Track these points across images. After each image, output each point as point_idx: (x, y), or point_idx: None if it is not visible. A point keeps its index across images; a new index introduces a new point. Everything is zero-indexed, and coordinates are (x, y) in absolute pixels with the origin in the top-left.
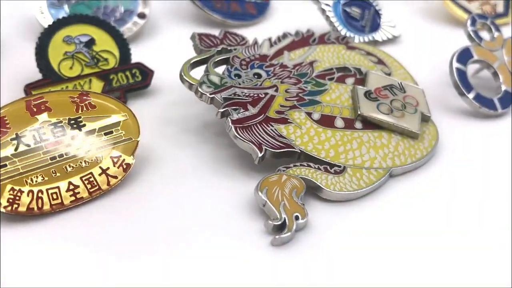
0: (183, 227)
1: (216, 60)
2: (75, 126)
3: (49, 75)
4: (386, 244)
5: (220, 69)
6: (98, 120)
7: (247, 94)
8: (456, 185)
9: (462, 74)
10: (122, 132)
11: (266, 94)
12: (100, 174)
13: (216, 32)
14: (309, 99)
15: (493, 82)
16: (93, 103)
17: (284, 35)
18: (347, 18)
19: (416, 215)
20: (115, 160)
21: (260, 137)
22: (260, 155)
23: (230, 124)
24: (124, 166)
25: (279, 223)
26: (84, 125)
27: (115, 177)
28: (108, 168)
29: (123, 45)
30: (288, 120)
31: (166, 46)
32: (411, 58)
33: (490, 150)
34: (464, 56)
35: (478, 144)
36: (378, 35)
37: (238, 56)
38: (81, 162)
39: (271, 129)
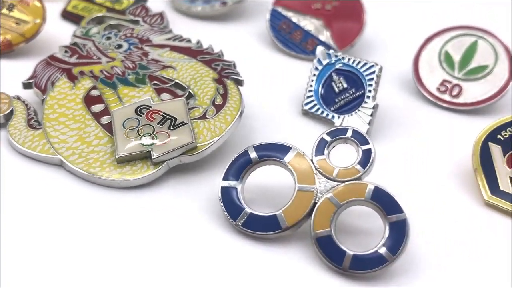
0: None
1: (116, 23)
2: None
3: None
4: None
5: None
6: None
7: (88, 50)
8: None
9: None
10: None
11: (98, 59)
12: None
13: None
14: (113, 81)
15: None
16: None
17: (187, 40)
18: (328, 84)
19: None
20: None
21: (45, 73)
22: (27, 81)
23: (49, 57)
24: None
25: None
26: None
27: None
28: None
29: None
30: (76, 79)
31: None
32: None
33: None
34: None
35: None
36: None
37: (133, 29)
38: None
39: (57, 74)
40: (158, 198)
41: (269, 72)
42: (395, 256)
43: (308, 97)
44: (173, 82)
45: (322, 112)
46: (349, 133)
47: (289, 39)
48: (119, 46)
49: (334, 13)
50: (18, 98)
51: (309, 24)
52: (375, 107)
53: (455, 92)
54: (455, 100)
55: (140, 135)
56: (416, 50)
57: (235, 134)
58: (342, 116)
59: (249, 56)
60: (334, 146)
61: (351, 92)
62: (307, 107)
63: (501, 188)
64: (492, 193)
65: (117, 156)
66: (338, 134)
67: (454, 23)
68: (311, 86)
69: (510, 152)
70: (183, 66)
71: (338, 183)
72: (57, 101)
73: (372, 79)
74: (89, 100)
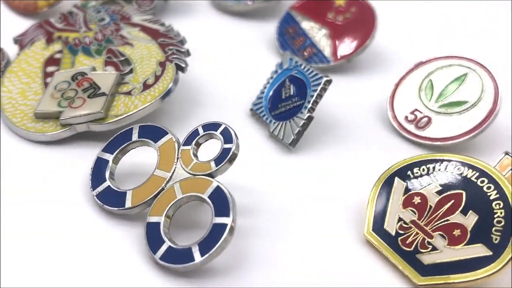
0: None
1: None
2: None
3: None
4: None
5: None
6: None
7: (76, 20)
8: None
9: None
10: None
11: (79, 28)
12: None
13: None
14: (77, 49)
15: None
16: None
17: (160, 24)
18: (278, 89)
19: None
20: None
21: (33, 33)
22: (16, 37)
23: (44, 21)
24: None
25: None
26: None
27: None
28: None
29: None
30: (51, 42)
31: None
32: None
33: None
34: None
35: None
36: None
37: (123, 7)
38: None
39: (40, 35)
40: (59, 156)
41: (255, 71)
42: (203, 257)
43: (258, 98)
44: (124, 58)
45: (264, 115)
46: (219, 130)
47: (290, 44)
48: (102, 20)
49: (343, 26)
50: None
51: (315, 32)
52: (308, 119)
53: (422, 124)
54: (418, 132)
55: (62, 97)
56: (404, 73)
57: (173, 116)
58: (278, 123)
59: (247, 53)
60: (206, 140)
61: (294, 100)
62: (254, 108)
63: (384, 227)
64: (373, 229)
65: (35, 112)
66: (210, 128)
67: (457, 48)
68: (264, 88)
69: (411, 193)
70: (141, 45)
71: (190, 175)
72: (26, 58)
73: (315, 90)
74: (49, 61)
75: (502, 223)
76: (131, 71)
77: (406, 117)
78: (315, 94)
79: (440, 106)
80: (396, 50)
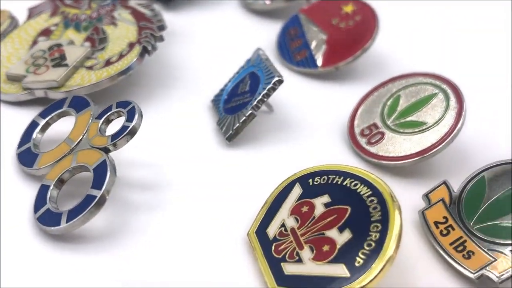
0: None
1: None
2: None
3: None
4: None
5: None
6: None
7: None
8: None
9: None
10: None
11: (82, 6)
12: None
13: None
14: (70, 24)
15: None
16: None
17: (150, 9)
18: (238, 84)
19: None
20: None
21: (44, 6)
22: (30, 8)
23: None
24: None
25: None
26: None
27: None
28: None
29: None
30: (54, 15)
31: None
32: None
33: None
34: None
35: None
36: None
37: None
38: None
39: (49, 8)
40: (19, 114)
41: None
42: (67, 224)
43: (221, 90)
44: (104, 36)
45: (218, 107)
46: (128, 108)
47: (288, 45)
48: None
49: (342, 33)
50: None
51: (314, 37)
52: (249, 116)
53: (374, 139)
54: (366, 147)
55: (33, 64)
56: (376, 85)
57: (134, 95)
58: (225, 116)
59: (245, 49)
60: (116, 117)
61: (245, 96)
62: (214, 99)
63: (266, 230)
64: (257, 230)
65: (6, 73)
66: (121, 106)
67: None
68: (229, 81)
69: (303, 201)
70: (123, 26)
71: (90, 147)
72: (27, 26)
73: (264, 89)
74: (43, 32)
75: (372, 247)
76: (103, 48)
77: (362, 131)
78: (263, 92)
79: (397, 124)
80: (389, 63)
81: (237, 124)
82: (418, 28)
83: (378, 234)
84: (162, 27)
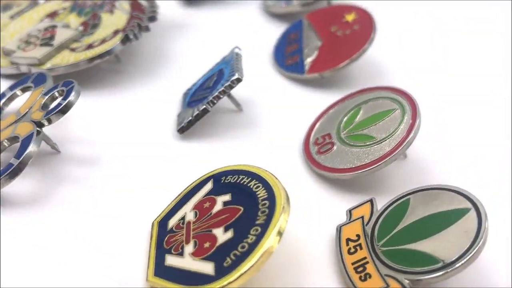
0: None
1: None
2: None
3: None
4: None
5: None
6: None
7: None
8: None
9: None
10: None
11: None
12: None
13: None
14: (77, 9)
15: None
16: None
17: (150, 1)
18: (206, 79)
19: None
20: None
21: None
22: None
23: None
24: None
25: None
26: None
27: None
28: None
29: None
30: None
31: None
32: None
33: None
34: None
35: None
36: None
37: None
38: None
39: None
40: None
41: None
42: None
43: (193, 84)
44: (97, 22)
45: (185, 100)
46: (69, 87)
47: (283, 49)
48: None
49: (337, 41)
50: None
51: (310, 42)
52: (202, 111)
53: (323, 149)
54: (315, 156)
55: (25, 41)
56: (344, 96)
57: (118, 79)
58: (186, 109)
59: (245, 48)
60: (60, 95)
61: (207, 92)
62: (185, 92)
63: (168, 221)
64: (161, 220)
65: (2, 47)
66: (65, 84)
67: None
68: (202, 76)
69: (208, 197)
70: (118, 14)
71: (30, 120)
72: (41, 9)
73: (222, 85)
74: (51, 14)
75: (245, 249)
76: (92, 33)
77: (317, 139)
78: (220, 89)
79: (349, 136)
80: (377, 74)
81: (190, 118)
82: (414, 41)
83: (254, 237)
84: (152, 18)
